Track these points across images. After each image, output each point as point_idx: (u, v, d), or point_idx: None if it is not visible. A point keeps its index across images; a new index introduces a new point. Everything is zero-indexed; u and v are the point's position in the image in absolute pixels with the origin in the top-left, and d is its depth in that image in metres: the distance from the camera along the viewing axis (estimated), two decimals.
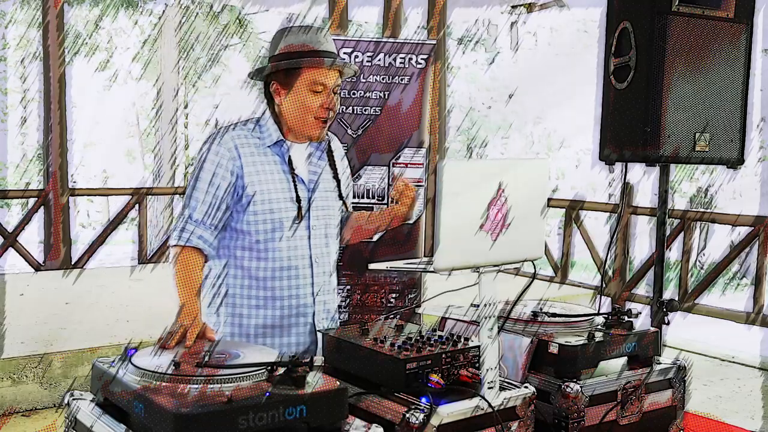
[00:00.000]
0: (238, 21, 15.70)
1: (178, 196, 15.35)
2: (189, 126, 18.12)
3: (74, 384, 4.56)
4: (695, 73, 2.78)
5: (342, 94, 3.44)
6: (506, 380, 1.80)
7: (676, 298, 4.34)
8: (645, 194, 8.66)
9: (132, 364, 1.55)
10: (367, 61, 4.41)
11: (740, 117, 2.89)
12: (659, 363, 2.07)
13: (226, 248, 2.24)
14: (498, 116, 19.84)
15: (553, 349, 1.91)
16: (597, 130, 3.04)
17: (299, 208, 2.21)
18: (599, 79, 3.04)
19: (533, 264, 1.84)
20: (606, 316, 2.11)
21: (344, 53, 4.34)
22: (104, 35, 16.89)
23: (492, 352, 1.70)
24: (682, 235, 6.92)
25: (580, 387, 1.86)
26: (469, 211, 1.64)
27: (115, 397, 1.53)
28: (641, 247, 7.82)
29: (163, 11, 14.54)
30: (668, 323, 3.10)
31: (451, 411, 1.62)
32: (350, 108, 4.48)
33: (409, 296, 4.65)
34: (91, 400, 1.60)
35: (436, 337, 1.82)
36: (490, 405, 1.67)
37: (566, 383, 1.85)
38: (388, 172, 4.53)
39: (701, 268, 13.75)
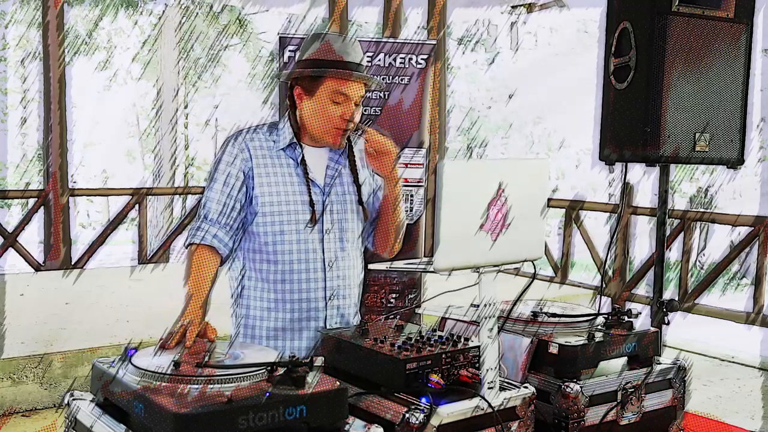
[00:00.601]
0: (238, 21, 15.71)
1: (178, 196, 15.42)
2: (189, 126, 18.13)
3: (74, 384, 4.56)
4: (695, 73, 2.78)
5: None
6: (506, 380, 1.80)
7: (676, 298, 4.34)
8: (645, 194, 8.66)
9: (132, 364, 1.55)
10: (367, 62, 4.39)
11: (740, 117, 2.89)
12: (659, 363, 2.06)
13: (242, 250, 2.25)
14: (498, 116, 19.85)
15: (553, 349, 1.91)
16: (597, 130, 3.04)
17: (312, 212, 2.20)
18: (599, 79, 3.03)
19: (533, 264, 1.84)
20: (606, 316, 2.11)
21: None
22: (104, 35, 16.91)
23: (492, 352, 1.70)
24: (682, 235, 6.93)
25: (580, 387, 1.86)
26: (469, 211, 1.64)
27: (115, 398, 1.53)
28: (641, 247, 7.83)
29: (163, 11, 14.55)
30: (668, 323, 3.10)
31: (451, 411, 1.62)
32: None
33: (409, 296, 4.65)
34: (91, 401, 1.60)
35: (436, 337, 1.82)
36: (490, 405, 1.67)
37: (566, 383, 1.85)
38: None
39: (701, 268, 13.75)
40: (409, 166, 4.57)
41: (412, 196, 4.61)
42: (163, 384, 1.47)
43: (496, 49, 19.61)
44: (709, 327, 6.68)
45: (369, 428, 1.50)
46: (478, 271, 1.70)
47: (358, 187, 2.31)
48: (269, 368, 1.51)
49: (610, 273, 7.28)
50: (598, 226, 10.95)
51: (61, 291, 6.81)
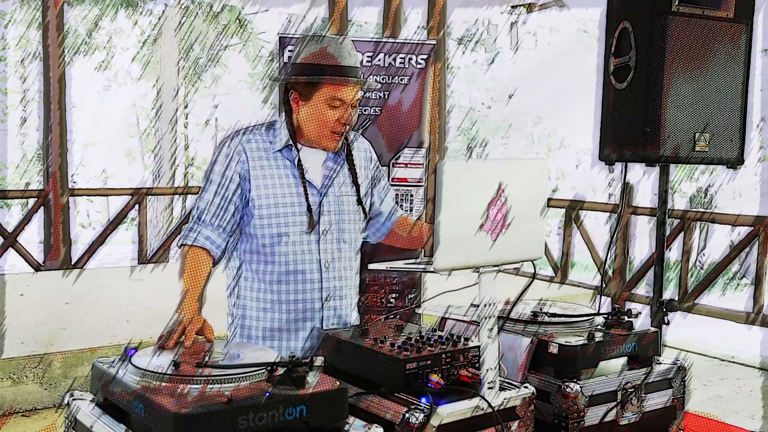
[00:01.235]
0: (237, 21, 15.71)
1: (177, 196, 15.42)
2: (189, 126, 18.13)
3: (74, 384, 4.56)
4: (695, 72, 2.78)
5: None
6: (506, 380, 1.80)
7: (676, 298, 4.34)
8: (645, 194, 8.66)
9: (132, 364, 1.55)
10: (367, 61, 4.41)
11: (740, 117, 2.89)
12: (659, 363, 2.06)
13: (239, 251, 2.25)
14: (498, 116, 19.85)
15: (553, 349, 1.91)
16: (597, 130, 3.04)
17: (310, 215, 2.20)
18: (599, 79, 3.03)
19: (533, 264, 1.84)
20: (606, 316, 2.11)
21: None
22: (104, 35, 16.89)
23: (492, 352, 1.70)
24: (682, 235, 6.93)
25: (580, 387, 1.86)
26: (469, 211, 1.64)
27: (115, 397, 1.53)
28: (641, 247, 7.82)
29: (163, 11, 14.54)
30: (668, 323, 3.10)
31: (451, 411, 1.62)
32: None
33: (409, 296, 4.65)
34: (91, 401, 1.60)
35: (436, 337, 1.82)
36: (490, 405, 1.67)
37: (566, 383, 1.85)
38: (388, 172, 4.53)
39: (701, 268, 13.75)
40: (409, 166, 4.57)
41: (412, 196, 4.61)
42: (163, 384, 1.47)
43: (496, 49, 19.61)
44: (709, 327, 6.68)
45: (369, 428, 1.50)
46: (478, 271, 1.70)
47: (357, 186, 2.31)
48: (269, 368, 1.51)
49: (610, 273, 7.28)
50: (598, 226, 10.94)
51: (61, 291, 6.81)
